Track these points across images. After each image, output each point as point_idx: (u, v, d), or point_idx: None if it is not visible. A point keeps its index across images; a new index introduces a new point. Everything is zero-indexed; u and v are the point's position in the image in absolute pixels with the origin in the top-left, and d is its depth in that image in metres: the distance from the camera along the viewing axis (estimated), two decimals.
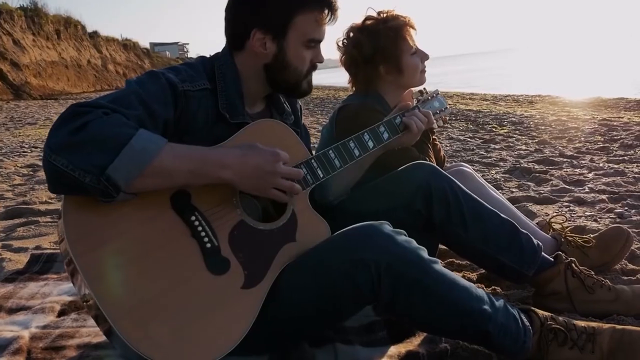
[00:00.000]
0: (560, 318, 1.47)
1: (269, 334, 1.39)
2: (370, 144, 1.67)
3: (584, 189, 3.59)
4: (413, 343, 1.57)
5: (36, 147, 6.92)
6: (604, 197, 3.32)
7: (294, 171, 1.38)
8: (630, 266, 2.09)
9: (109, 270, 1.17)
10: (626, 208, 3.03)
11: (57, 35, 29.16)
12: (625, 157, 4.69)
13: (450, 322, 1.33)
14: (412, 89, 2.03)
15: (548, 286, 1.75)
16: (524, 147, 5.58)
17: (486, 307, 1.34)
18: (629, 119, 7.39)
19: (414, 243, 1.33)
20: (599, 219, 2.86)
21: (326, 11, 1.47)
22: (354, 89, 2.17)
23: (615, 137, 5.73)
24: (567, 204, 3.25)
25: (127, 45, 41.30)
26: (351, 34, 2.06)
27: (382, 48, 2.01)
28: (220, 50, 1.56)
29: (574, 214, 3.02)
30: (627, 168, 4.19)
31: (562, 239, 2.02)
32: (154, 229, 1.25)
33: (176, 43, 66.82)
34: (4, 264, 2.37)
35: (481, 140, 6.25)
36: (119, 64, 37.47)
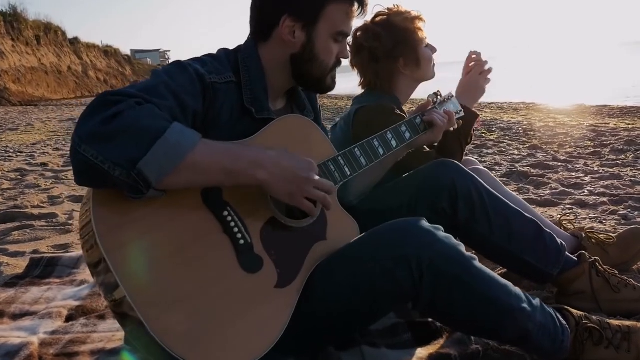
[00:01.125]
0: (594, 317, 1.45)
1: (299, 335, 1.33)
2: (394, 142, 1.63)
3: (584, 192, 3.60)
4: (441, 344, 1.53)
5: (21, 152, 6.77)
6: (604, 199, 3.33)
7: (327, 183, 1.32)
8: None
9: (142, 267, 1.11)
10: (629, 210, 3.04)
11: (37, 41, 28.71)
12: (617, 162, 4.73)
13: (491, 321, 1.29)
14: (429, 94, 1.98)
15: (572, 286, 1.72)
16: (516, 152, 5.60)
17: (525, 305, 1.30)
18: (615, 125, 7.48)
19: (453, 239, 1.29)
20: (604, 221, 2.86)
21: (356, 5, 1.44)
22: (363, 88, 2.12)
23: (605, 143, 5.79)
24: (569, 206, 3.25)
25: (108, 52, 40.87)
26: (367, 30, 2.02)
27: (402, 40, 1.98)
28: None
29: (578, 215, 3.01)
30: (622, 172, 4.22)
31: (584, 235, 1.99)
32: (185, 224, 1.19)
33: (157, 50, 66.33)
34: (1, 268, 2.28)
35: (473, 146, 6.27)
36: (100, 71, 37.04)
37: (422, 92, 2.18)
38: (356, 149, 1.52)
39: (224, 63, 1.42)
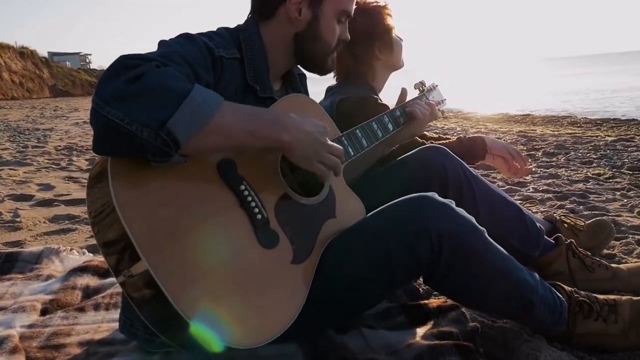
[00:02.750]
0: (582, 292, 1.52)
1: (302, 318, 1.31)
2: (390, 126, 1.66)
3: (529, 189, 3.77)
4: (439, 324, 1.56)
5: None
6: (550, 195, 3.50)
7: (339, 148, 1.31)
8: (606, 251, 2.21)
9: (164, 240, 1.06)
10: (575, 204, 3.21)
11: None
12: (552, 163, 5.00)
13: (501, 293, 1.32)
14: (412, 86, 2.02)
15: (551, 267, 1.80)
16: None
17: (529, 278, 1.35)
18: (542, 131, 7.91)
19: (465, 212, 1.32)
20: (555, 215, 3.01)
21: None
22: (339, 79, 2.14)
23: (537, 147, 6.10)
24: (519, 201, 3.40)
25: (24, 54, 38.88)
26: None
27: (377, 22, 2.02)
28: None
29: (529, 209, 3.15)
30: (559, 172, 4.46)
31: (557, 219, 2.10)
32: (202, 197, 1.15)
33: (77, 53, 63.75)
34: None
35: None
36: (15, 73, 35.16)
37: (395, 84, 2.23)
38: (357, 131, 1.53)
39: (227, 39, 1.39)
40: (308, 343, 1.45)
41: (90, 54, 67.74)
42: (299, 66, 1.58)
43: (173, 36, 1.32)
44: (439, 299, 1.74)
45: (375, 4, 2.05)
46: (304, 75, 1.69)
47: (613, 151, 5.49)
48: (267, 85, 1.43)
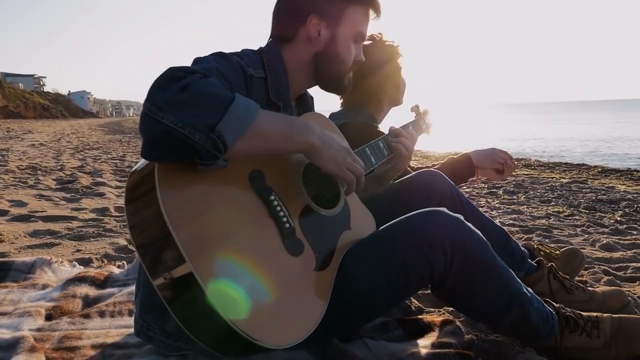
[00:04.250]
0: (568, 308, 1.65)
1: (321, 323, 1.38)
2: (385, 151, 1.77)
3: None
4: (436, 336, 1.65)
5: None
6: (516, 229, 3.69)
7: (360, 162, 1.41)
8: (577, 278, 2.37)
9: (207, 245, 1.13)
10: (541, 237, 3.40)
11: None
12: (513, 200, 5.24)
13: (502, 303, 1.43)
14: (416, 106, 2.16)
15: (534, 288, 1.92)
16: None
17: (525, 290, 1.47)
18: None
19: (473, 226, 1.43)
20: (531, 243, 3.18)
21: (372, 9, 1.59)
22: (343, 106, 2.26)
23: (497, 185, 6.36)
24: None
25: None
26: None
27: (391, 61, 2.16)
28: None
29: None
30: (521, 208, 4.69)
31: (534, 247, 2.24)
32: (237, 206, 1.23)
33: (32, 75, 62.31)
34: None
35: None
36: None
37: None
38: (367, 149, 1.64)
39: (254, 60, 1.49)
40: (317, 351, 1.51)
41: (45, 77, 66.37)
42: (317, 86, 1.67)
43: (205, 54, 1.40)
44: (432, 314, 1.84)
45: (390, 43, 2.19)
46: (313, 97, 1.80)
47: (569, 192, 5.79)
48: (289, 103, 1.53)
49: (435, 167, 2.22)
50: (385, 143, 1.84)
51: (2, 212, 3.61)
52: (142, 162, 1.22)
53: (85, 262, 2.41)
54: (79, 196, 4.49)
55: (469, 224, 1.41)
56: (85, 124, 42.34)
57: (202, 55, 1.37)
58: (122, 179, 5.99)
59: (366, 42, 2.20)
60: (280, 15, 1.57)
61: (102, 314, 1.72)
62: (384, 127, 2.26)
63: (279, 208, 1.29)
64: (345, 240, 1.44)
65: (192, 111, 1.09)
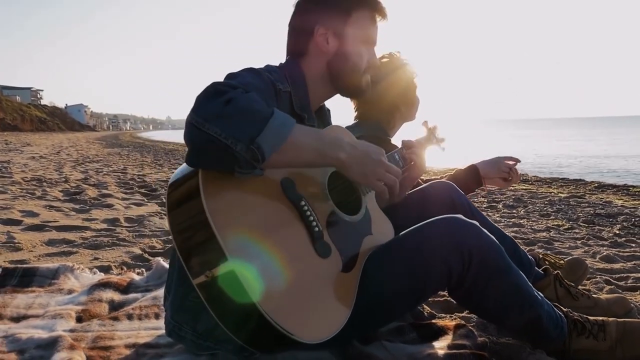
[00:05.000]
0: (575, 312, 1.73)
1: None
2: (400, 163, 1.86)
3: None
4: (450, 339, 1.73)
5: None
6: (518, 241, 3.78)
7: (397, 169, 1.49)
8: (580, 287, 2.46)
9: (247, 245, 1.21)
10: (543, 249, 3.49)
11: None
12: (513, 214, 5.33)
13: (514, 306, 1.52)
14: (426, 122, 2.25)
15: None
16: None
17: (536, 294, 1.56)
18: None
19: (488, 232, 1.52)
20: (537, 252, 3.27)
21: (375, 11, 1.67)
22: (357, 119, 2.36)
23: (497, 199, 6.47)
24: None
25: None
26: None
27: (409, 80, 2.27)
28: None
29: None
30: (521, 222, 4.78)
31: (540, 257, 2.33)
32: (271, 210, 1.31)
33: (29, 88, 62.49)
34: None
35: None
36: None
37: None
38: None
39: (280, 75, 1.58)
40: (338, 351, 1.59)
41: (42, 90, 66.54)
42: (339, 94, 1.76)
43: (237, 69, 1.50)
44: (445, 319, 1.92)
45: (408, 62, 2.29)
46: (330, 110, 1.90)
47: (567, 206, 5.89)
48: (311, 115, 1.62)
49: (444, 179, 2.32)
50: (400, 155, 1.93)
51: (16, 222, 3.69)
52: (181, 170, 1.31)
53: (105, 270, 2.48)
54: (88, 207, 4.56)
55: (485, 230, 1.50)
56: (83, 137, 42.42)
57: (234, 71, 1.47)
58: (127, 191, 6.07)
59: (383, 60, 2.31)
60: (292, 33, 1.67)
61: (130, 317, 1.80)
62: (396, 141, 2.36)
63: (308, 213, 1.37)
64: (367, 245, 1.53)
65: (235, 124, 1.18)
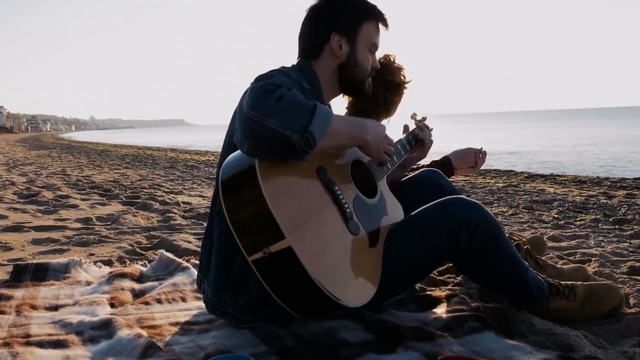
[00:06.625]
0: (549, 278, 2.04)
1: None
2: (407, 147, 2.14)
3: None
4: (447, 306, 1.99)
5: None
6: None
7: (392, 143, 1.75)
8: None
9: (299, 224, 1.41)
10: None
11: None
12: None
13: (509, 272, 1.79)
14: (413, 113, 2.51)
15: None
16: None
17: (523, 261, 1.85)
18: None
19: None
20: None
21: (381, 23, 1.92)
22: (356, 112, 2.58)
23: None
24: None
25: None
26: (388, 65, 2.49)
27: (403, 79, 2.51)
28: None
29: None
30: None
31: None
32: (312, 194, 1.52)
33: None
34: None
35: None
36: None
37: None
38: (398, 144, 1.99)
39: (299, 74, 1.78)
40: (357, 320, 1.81)
41: (2, 106, 62.30)
42: (342, 94, 1.98)
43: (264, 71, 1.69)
44: (435, 291, 2.18)
45: (401, 66, 2.53)
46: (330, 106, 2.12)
47: (506, 194, 6.37)
48: None
49: (424, 168, 2.58)
50: (412, 136, 2.23)
51: None
52: (236, 159, 1.49)
53: (107, 264, 2.59)
54: (52, 208, 4.55)
55: (484, 207, 1.78)
56: (2, 140, 40.32)
57: (263, 73, 1.65)
58: (81, 191, 6.03)
59: (380, 61, 2.54)
60: (306, 37, 1.88)
61: (159, 301, 1.95)
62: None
63: (341, 197, 1.59)
64: (385, 223, 1.76)
65: (289, 116, 1.38)
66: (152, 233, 3.47)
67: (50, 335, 1.60)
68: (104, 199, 5.43)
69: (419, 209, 1.82)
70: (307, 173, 1.55)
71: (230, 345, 1.55)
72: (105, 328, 1.62)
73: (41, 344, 1.52)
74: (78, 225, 3.78)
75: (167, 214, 4.26)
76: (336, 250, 1.50)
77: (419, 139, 2.30)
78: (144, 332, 1.58)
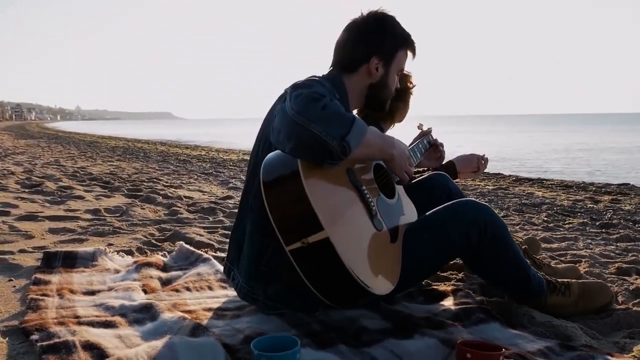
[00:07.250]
0: (547, 275, 2.21)
1: None
2: (418, 154, 2.31)
3: None
4: (454, 299, 2.16)
5: None
6: None
7: (413, 163, 1.91)
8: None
9: (336, 217, 1.57)
10: None
11: None
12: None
13: (514, 269, 1.97)
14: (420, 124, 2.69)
15: None
16: None
17: (525, 259, 2.02)
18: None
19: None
20: None
21: (410, 51, 2.09)
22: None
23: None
24: None
25: None
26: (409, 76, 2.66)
27: (411, 87, 2.67)
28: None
29: None
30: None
31: None
32: (344, 193, 1.68)
33: None
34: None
35: None
36: None
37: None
38: (415, 149, 2.16)
39: (331, 85, 1.93)
40: (374, 310, 1.98)
41: None
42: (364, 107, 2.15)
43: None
44: (441, 286, 2.35)
45: (409, 73, 2.70)
46: None
47: (497, 197, 6.57)
48: None
49: (430, 171, 2.75)
50: (427, 141, 2.44)
51: (3, 213, 3.77)
52: (278, 157, 1.62)
53: (128, 254, 2.72)
54: (59, 199, 4.65)
55: (492, 209, 1.95)
56: None
57: (300, 81, 1.80)
58: (82, 183, 6.12)
59: None
60: (346, 52, 2.03)
61: (188, 289, 2.09)
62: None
63: (368, 196, 1.75)
64: (403, 222, 1.93)
65: (331, 125, 1.54)
66: (162, 226, 3.60)
67: (97, 316, 1.74)
68: (106, 191, 5.53)
69: (433, 210, 1.99)
70: (340, 174, 1.70)
71: (265, 329, 1.70)
72: (147, 311, 1.77)
73: (92, 324, 1.66)
74: (89, 216, 3.90)
75: (173, 208, 4.39)
76: (364, 243, 1.66)
77: (431, 143, 2.47)
78: (187, 315, 1.72)
